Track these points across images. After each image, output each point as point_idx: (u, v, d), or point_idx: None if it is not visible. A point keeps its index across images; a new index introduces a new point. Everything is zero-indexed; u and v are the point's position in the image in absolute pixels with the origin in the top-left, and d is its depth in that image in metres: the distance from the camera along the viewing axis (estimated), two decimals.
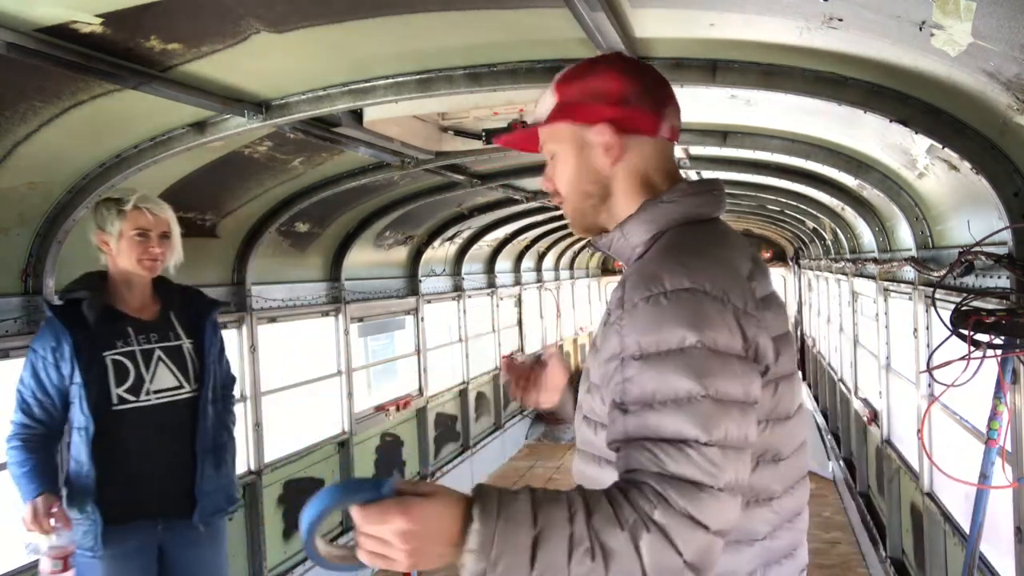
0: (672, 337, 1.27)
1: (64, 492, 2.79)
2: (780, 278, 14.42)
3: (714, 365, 1.26)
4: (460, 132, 4.28)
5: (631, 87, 1.49)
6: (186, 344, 2.96)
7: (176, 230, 2.95)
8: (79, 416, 2.73)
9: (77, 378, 2.71)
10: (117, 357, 2.79)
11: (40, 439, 2.76)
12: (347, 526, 5.85)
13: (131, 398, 2.79)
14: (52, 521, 2.58)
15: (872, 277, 5.76)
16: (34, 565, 3.29)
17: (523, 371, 2.01)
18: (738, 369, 1.28)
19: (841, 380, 8.11)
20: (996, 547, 3.20)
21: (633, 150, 1.49)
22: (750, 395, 1.29)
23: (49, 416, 2.77)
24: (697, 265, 1.33)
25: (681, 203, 1.46)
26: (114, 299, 2.87)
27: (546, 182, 1.58)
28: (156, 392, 2.84)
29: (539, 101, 1.57)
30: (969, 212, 3.18)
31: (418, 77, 2.93)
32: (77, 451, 2.75)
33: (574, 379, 1.95)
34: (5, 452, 2.73)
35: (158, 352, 2.88)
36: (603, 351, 1.38)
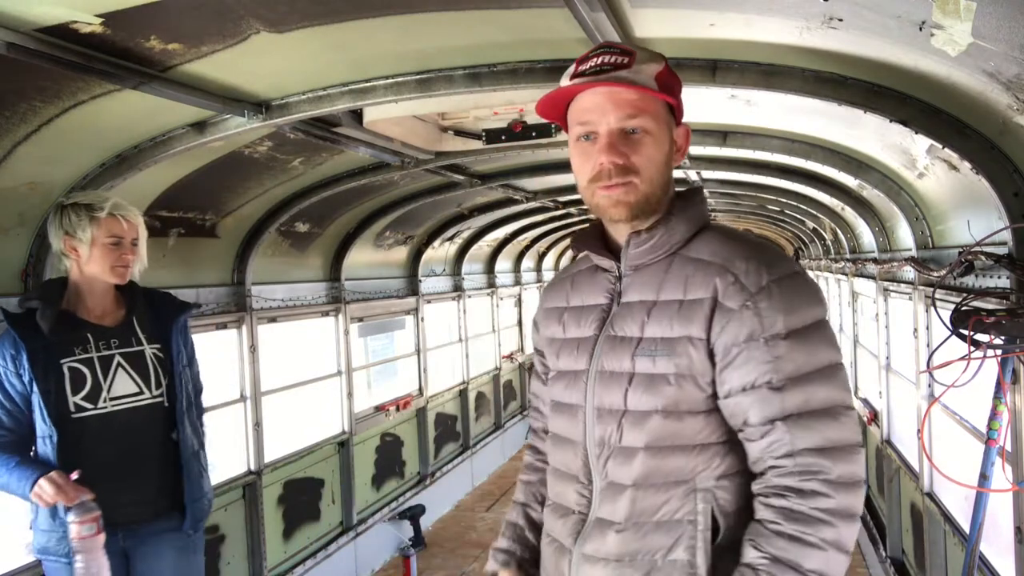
0: (809, 314, 1.45)
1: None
2: None
3: (834, 335, 1.48)
4: (460, 132, 4.28)
5: (680, 101, 1.61)
6: (149, 349, 2.91)
7: (144, 237, 2.90)
8: (41, 425, 2.70)
9: (35, 387, 2.68)
10: (74, 364, 2.75)
11: (13, 444, 2.71)
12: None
13: (88, 406, 2.75)
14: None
15: (872, 277, 5.76)
16: (34, 565, 3.29)
17: None
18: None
19: None
20: (996, 547, 3.20)
21: None
22: None
23: (18, 423, 2.73)
24: (781, 253, 1.53)
25: (705, 205, 1.65)
26: (75, 306, 2.82)
27: (614, 155, 1.50)
28: (114, 399, 2.79)
29: (636, 66, 1.50)
30: (969, 212, 3.18)
31: (418, 77, 2.93)
32: (43, 458, 2.71)
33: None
34: None
35: (118, 358, 2.83)
36: (733, 333, 1.45)
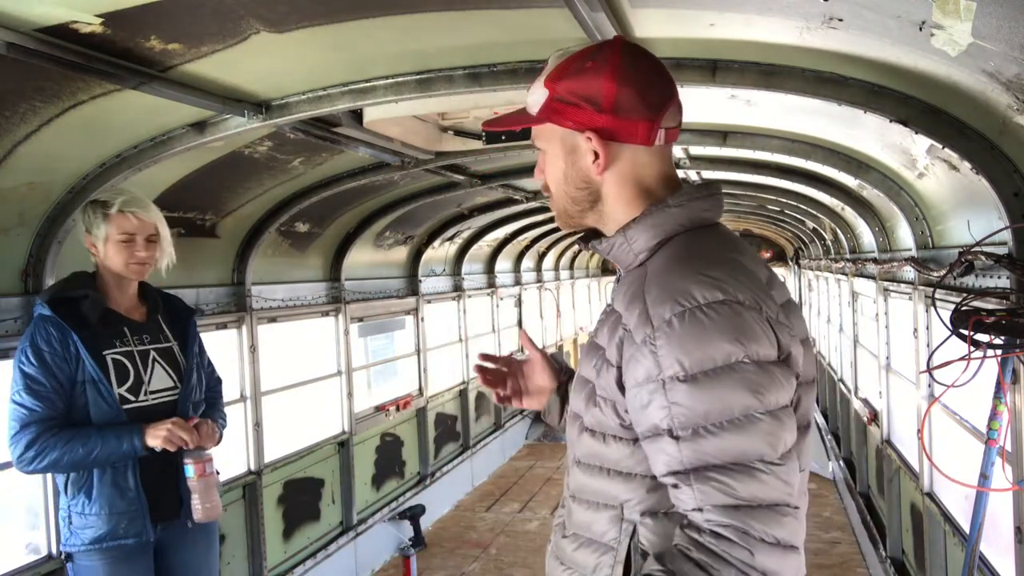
0: (718, 353, 1.22)
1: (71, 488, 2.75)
2: (780, 278, 14.42)
3: (763, 379, 1.23)
4: (460, 132, 4.29)
5: (625, 91, 1.38)
6: (175, 346, 2.98)
7: (165, 232, 2.91)
8: (100, 412, 2.70)
9: (87, 374, 2.69)
10: (117, 356, 2.79)
11: (70, 426, 2.69)
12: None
13: (132, 398, 2.79)
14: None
15: (872, 277, 5.76)
16: (35, 565, 3.29)
17: (499, 374, 1.90)
18: (780, 378, 1.25)
19: (841, 380, 8.11)
20: (996, 547, 3.20)
21: (625, 158, 1.42)
22: (791, 402, 1.27)
23: (67, 407, 2.71)
24: (724, 276, 1.27)
25: (688, 208, 1.41)
26: (107, 299, 2.86)
27: (538, 173, 1.53)
28: (153, 393, 2.84)
29: (531, 88, 1.48)
30: (969, 212, 3.18)
31: (418, 77, 2.93)
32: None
33: (562, 382, 1.86)
34: (42, 453, 2.62)
35: (153, 353, 2.89)
36: (633, 372, 1.29)
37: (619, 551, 1.38)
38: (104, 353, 2.76)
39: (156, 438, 2.69)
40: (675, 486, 1.25)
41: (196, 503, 2.79)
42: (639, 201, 1.43)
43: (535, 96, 1.47)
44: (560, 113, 1.43)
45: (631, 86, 1.38)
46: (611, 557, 1.39)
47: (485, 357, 1.89)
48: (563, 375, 1.88)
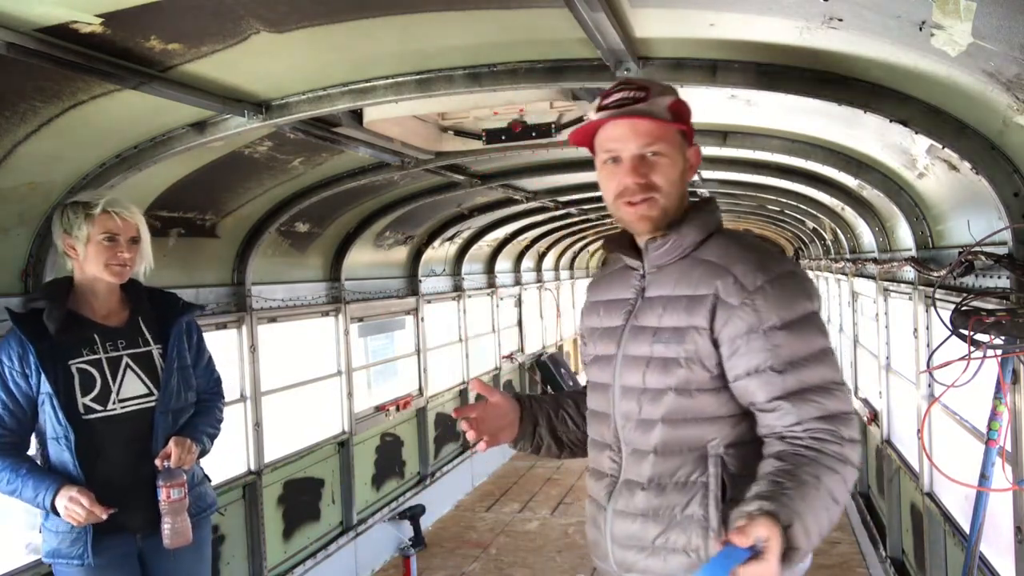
0: (801, 308, 1.71)
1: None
2: None
3: (823, 325, 1.75)
4: (460, 132, 4.29)
5: (691, 129, 1.89)
6: (155, 350, 2.88)
7: (146, 235, 2.86)
8: (54, 426, 2.67)
9: (45, 388, 2.65)
10: (83, 366, 2.72)
11: (14, 446, 2.70)
12: None
13: (98, 407, 2.72)
14: (167, 463, 2.73)
15: (872, 277, 5.76)
16: (35, 565, 3.29)
17: (475, 419, 2.04)
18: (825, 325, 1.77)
19: None
20: (996, 547, 3.20)
21: None
22: None
23: (20, 424, 2.71)
24: (780, 255, 1.80)
25: (717, 214, 1.92)
26: (80, 306, 2.79)
27: (635, 174, 1.80)
28: (123, 401, 2.77)
29: (651, 100, 1.80)
30: (969, 212, 3.18)
31: (418, 77, 2.93)
32: (57, 460, 2.69)
33: (524, 410, 2.11)
34: None
35: (126, 359, 2.80)
36: (733, 328, 1.71)
37: (712, 481, 1.76)
38: (70, 363, 2.70)
39: (60, 506, 2.58)
40: (773, 410, 1.67)
41: (164, 527, 2.72)
42: (682, 205, 1.87)
43: (659, 105, 1.80)
44: (685, 120, 1.85)
45: (690, 118, 1.88)
46: (704, 488, 1.76)
47: (463, 411, 2.01)
48: (523, 404, 2.13)
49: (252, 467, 5.05)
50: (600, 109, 1.86)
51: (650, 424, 1.81)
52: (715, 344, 1.75)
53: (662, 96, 1.81)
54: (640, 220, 1.83)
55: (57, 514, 2.61)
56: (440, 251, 8.03)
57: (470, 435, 2.00)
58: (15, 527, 3.47)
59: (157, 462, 2.74)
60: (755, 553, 1.40)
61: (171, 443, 2.77)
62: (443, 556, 6.69)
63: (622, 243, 1.97)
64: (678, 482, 1.79)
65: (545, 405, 2.16)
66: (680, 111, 1.84)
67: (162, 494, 2.72)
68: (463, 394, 8.85)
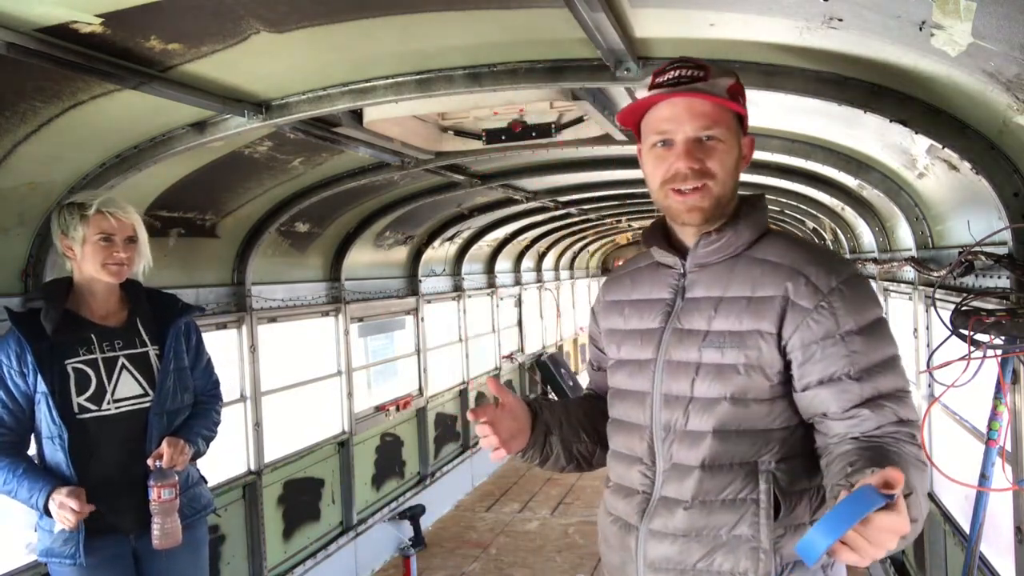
0: (872, 313, 1.60)
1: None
2: None
3: (891, 330, 1.64)
4: (460, 132, 4.28)
5: (747, 117, 1.73)
6: (152, 351, 2.88)
7: (143, 234, 2.86)
8: (49, 426, 2.68)
9: (42, 387, 2.66)
10: (78, 365, 2.73)
11: (12, 445, 2.71)
12: None
13: (92, 407, 2.73)
14: (162, 462, 2.73)
15: (872, 277, 5.76)
16: (35, 565, 3.29)
17: (493, 423, 1.84)
18: None
19: None
20: (996, 547, 3.20)
21: None
22: None
23: (18, 423, 2.71)
24: (843, 258, 1.78)
25: (766, 211, 1.77)
26: (79, 306, 2.80)
27: (691, 160, 1.63)
28: (117, 401, 2.77)
29: (711, 79, 1.65)
30: (969, 212, 3.18)
31: (418, 77, 2.93)
32: (52, 459, 2.70)
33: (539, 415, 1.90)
34: None
35: (122, 360, 2.81)
36: (806, 333, 1.58)
37: (763, 498, 1.61)
38: (66, 363, 2.71)
39: (52, 509, 2.60)
40: (850, 418, 1.55)
41: (155, 527, 2.72)
42: (734, 199, 1.73)
43: (720, 84, 1.66)
44: (743, 106, 1.70)
45: (746, 104, 1.72)
46: (755, 506, 1.61)
47: (480, 412, 1.80)
48: (532, 409, 1.91)
49: (252, 467, 5.06)
50: (653, 87, 1.68)
51: (698, 436, 1.65)
52: (781, 350, 1.61)
53: (722, 77, 1.66)
54: (690, 211, 1.66)
55: (51, 516, 2.62)
56: (440, 251, 8.02)
57: (489, 442, 1.79)
58: (15, 527, 3.47)
59: (149, 462, 2.74)
60: (888, 504, 1.22)
61: (164, 443, 2.77)
62: (443, 556, 6.69)
63: (659, 237, 1.80)
64: (726, 500, 1.63)
65: (556, 413, 1.94)
66: (739, 96, 1.70)
67: (153, 494, 2.71)
68: (463, 394, 8.85)
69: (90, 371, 2.75)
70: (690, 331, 1.68)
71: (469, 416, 1.85)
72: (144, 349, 2.88)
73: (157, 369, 2.87)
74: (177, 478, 2.78)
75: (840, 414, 1.56)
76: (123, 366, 2.81)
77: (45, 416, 2.68)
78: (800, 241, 1.76)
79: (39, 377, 2.66)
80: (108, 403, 2.76)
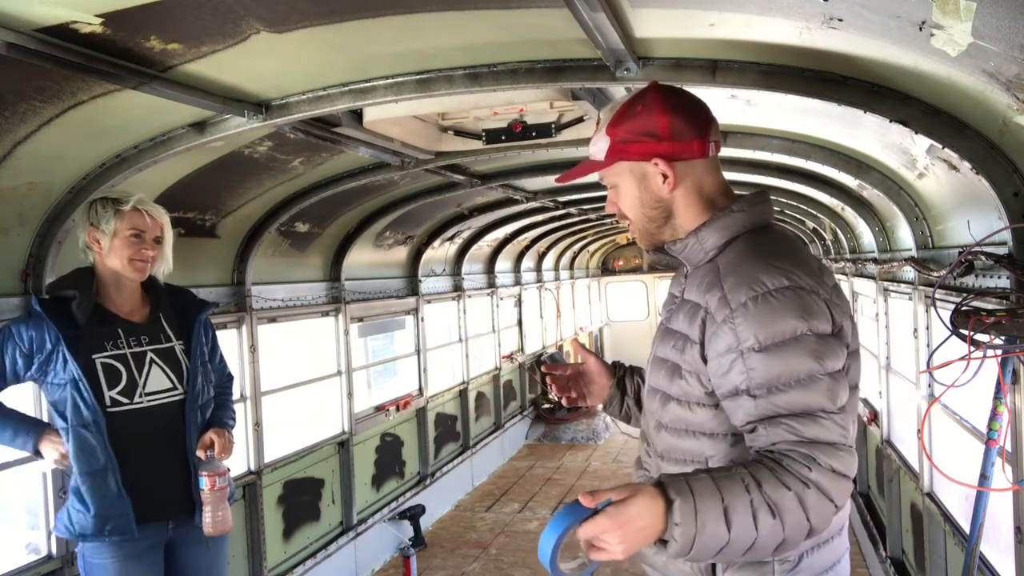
0: (786, 328, 1.53)
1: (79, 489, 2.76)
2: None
3: (823, 348, 1.54)
4: (460, 132, 4.29)
5: (676, 119, 1.70)
6: (177, 346, 2.96)
7: (169, 236, 2.95)
8: (82, 412, 2.69)
9: (72, 375, 2.68)
10: (107, 360, 2.78)
11: None
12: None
13: (124, 400, 2.78)
14: (210, 453, 2.84)
15: (872, 277, 5.76)
16: (35, 565, 3.29)
17: (564, 380, 2.20)
18: (836, 348, 1.57)
19: None
20: (996, 547, 3.20)
21: (688, 174, 1.74)
22: (844, 368, 1.58)
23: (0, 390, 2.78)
24: (787, 266, 1.59)
25: (749, 212, 1.74)
26: (104, 300, 2.85)
27: (610, 206, 1.83)
28: (149, 395, 2.83)
29: (593, 140, 1.78)
30: (969, 212, 3.18)
31: (418, 77, 2.93)
32: (84, 447, 2.70)
33: (618, 377, 2.19)
34: None
35: (150, 355, 2.87)
36: (715, 345, 1.61)
37: None
38: (93, 357, 2.75)
39: (48, 448, 2.73)
40: (750, 431, 1.56)
41: (207, 516, 2.80)
42: (705, 209, 1.75)
43: (599, 145, 1.77)
44: (625, 152, 1.74)
45: (679, 114, 1.71)
46: None
47: (552, 367, 2.17)
48: (617, 371, 2.21)
49: (252, 467, 5.06)
50: None
51: (659, 427, 1.80)
52: (703, 359, 1.66)
53: (600, 130, 1.77)
54: (637, 240, 1.86)
55: (40, 456, 2.73)
56: (440, 251, 8.02)
57: (556, 390, 2.09)
58: (15, 527, 3.47)
59: (200, 452, 2.83)
60: (594, 513, 1.40)
61: (211, 433, 2.87)
62: (443, 556, 6.69)
63: None
64: None
65: (636, 377, 2.18)
66: (619, 130, 1.73)
67: (205, 483, 2.79)
68: (463, 394, 8.85)
69: (119, 366, 2.80)
70: (668, 329, 1.81)
71: (543, 369, 2.22)
72: (170, 344, 2.95)
73: (185, 364, 2.94)
74: (226, 467, 2.87)
75: (742, 426, 1.60)
76: (152, 361, 2.87)
77: (77, 404, 2.70)
78: (759, 246, 1.69)
79: (70, 364, 2.69)
80: (140, 396, 2.81)
